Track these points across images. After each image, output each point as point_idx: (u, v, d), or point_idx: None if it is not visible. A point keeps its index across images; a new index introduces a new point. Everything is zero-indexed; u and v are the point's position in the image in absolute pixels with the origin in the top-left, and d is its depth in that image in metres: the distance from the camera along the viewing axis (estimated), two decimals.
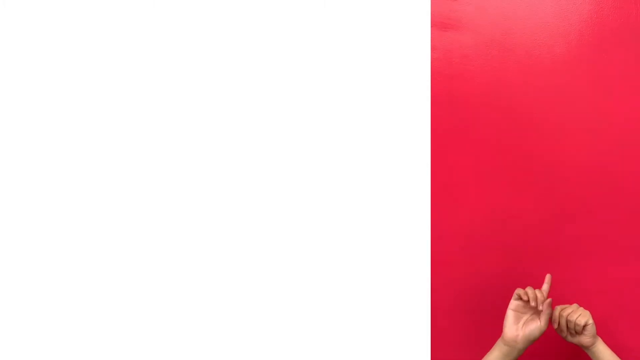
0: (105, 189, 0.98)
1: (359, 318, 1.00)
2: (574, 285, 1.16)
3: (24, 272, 0.96)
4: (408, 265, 1.01)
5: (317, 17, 1.02)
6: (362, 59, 1.02)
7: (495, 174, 1.18)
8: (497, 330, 1.07)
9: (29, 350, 0.96)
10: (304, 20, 1.01)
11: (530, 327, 1.03)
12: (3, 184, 0.95)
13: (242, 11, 1.01)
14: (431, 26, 1.17)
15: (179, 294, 0.99)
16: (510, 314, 1.04)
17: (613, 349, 1.06)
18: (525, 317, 1.04)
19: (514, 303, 1.04)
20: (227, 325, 0.99)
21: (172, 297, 0.99)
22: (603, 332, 1.05)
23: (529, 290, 1.03)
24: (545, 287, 1.05)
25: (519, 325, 1.04)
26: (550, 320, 1.04)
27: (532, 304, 1.02)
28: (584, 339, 1.03)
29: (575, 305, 1.05)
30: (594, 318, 1.03)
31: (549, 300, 1.03)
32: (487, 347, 1.08)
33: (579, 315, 1.03)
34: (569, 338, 1.05)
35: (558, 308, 1.06)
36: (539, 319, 1.03)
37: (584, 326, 1.02)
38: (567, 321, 1.03)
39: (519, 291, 1.03)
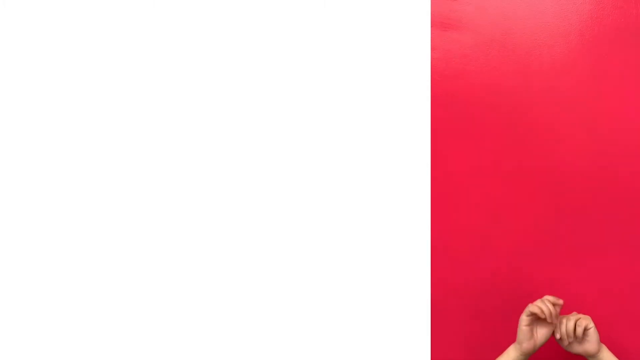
0: (105, 189, 0.98)
1: (359, 318, 1.00)
2: (574, 285, 1.16)
3: (23, 272, 0.96)
4: (408, 265, 1.01)
5: (317, 17, 1.02)
6: (362, 59, 1.02)
7: (495, 173, 1.18)
8: (496, 330, 1.07)
9: (28, 350, 0.96)
10: (304, 20, 1.01)
11: (543, 334, 1.03)
12: (4, 184, 0.95)
13: (242, 11, 1.01)
14: (431, 26, 1.17)
15: (180, 293, 0.99)
16: (525, 330, 1.02)
17: (613, 350, 1.05)
18: (536, 327, 1.03)
19: (526, 319, 1.02)
20: (227, 324, 0.99)
21: (174, 296, 0.99)
22: (603, 332, 1.05)
23: (543, 307, 1.01)
24: (552, 299, 1.04)
25: (534, 336, 1.03)
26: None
27: (549, 320, 1.01)
28: (589, 346, 1.02)
29: (574, 313, 1.04)
30: (593, 319, 1.03)
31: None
32: (487, 347, 1.08)
33: (578, 319, 1.02)
34: (574, 347, 1.03)
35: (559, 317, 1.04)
36: (548, 325, 1.03)
37: (586, 330, 1.01)
38: (567, 325, 1.02)
39: (532, 308, 1.01)
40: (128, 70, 0.99)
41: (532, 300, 1.12)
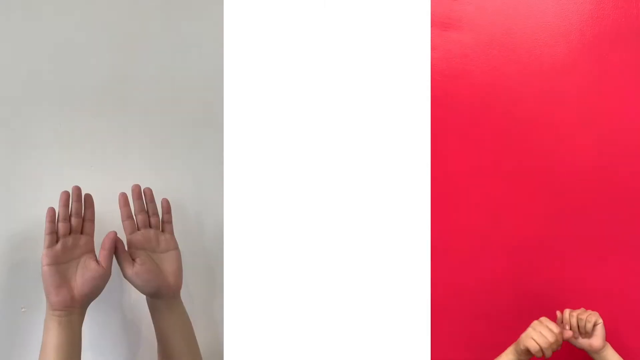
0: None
1: (359, 318, 1.00)
2: (574, 285, 1.16)
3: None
4: (408, 265, 1.01)
5: (317, 17, 1.01)
6: (362, 59, 1.02)
7: (495, 174, 1.18)
8: (496, 330, 1.07)
9: None
10: (303, 20, 1.01)
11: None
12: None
13: (242, 11, 1.01)
14: (431, 26, 1.17)
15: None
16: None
17: (615, 349, 1.05)
18: None
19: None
20: (227, 323, 0.99)
21: None
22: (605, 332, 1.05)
23: (572, 319, 1.03)
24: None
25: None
26: (557, 323, 1.04)
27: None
28: (595, 341, 1.03)
29: (583, 309, 1.05)
30: None
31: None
32: (487, 347, 1.08)
33: (589, 314, 1.03)
34: (579, 341, 1.04)
35: (567, 311, 1.05)
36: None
37: (594, 325, 1.02)
38: (578, 319, 1.03)
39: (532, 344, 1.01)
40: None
41: (533, 299, 1.12)
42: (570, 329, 1.04)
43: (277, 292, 0.99)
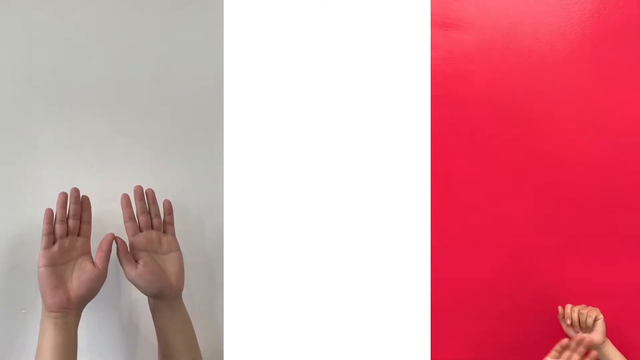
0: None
1: (359, 318, 1.00)
2: (574, 285, 1.16)
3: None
4: (408, 265, 1.01)
5: (317, 17, 1.01)
6: (362, 58, 1.02)
7: (496, 173, 1.18)
8: (496, 330, 1.07)
9: None
10: (303, 20, 1.01)
11: None
12: None
13: (242, 11, 1.01)
14: (431, 25, 1.17)
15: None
16: None
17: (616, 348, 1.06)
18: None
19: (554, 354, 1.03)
20: (227, 323, 0.99)
21: None
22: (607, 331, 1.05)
23: (573, 314, 1.04)
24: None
25: None
26: (558, 318, 1.05)
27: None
28: (595, 336, 1.04)
29: (584, 305, 1.06)
30: None
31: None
32: (487, 347, 1.08)
33: (590, 309, 1.05)
34: (580, 336, 1.05)
35: (568, 306, 1.06)
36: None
37: (595, 320, 1.03)
38: (579, 314, 1.04)
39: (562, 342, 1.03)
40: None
41: (533, 299, 1.13)
42: (572, 323, 1.05)
43: (277, 292, 0.99)
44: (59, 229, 0.86)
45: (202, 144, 1.08)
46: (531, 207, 1.17)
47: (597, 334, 1.04)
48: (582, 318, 1.04)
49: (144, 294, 0.93)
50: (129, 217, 0.92)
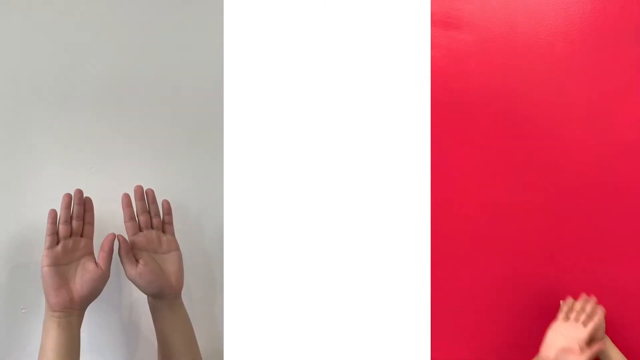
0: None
1: (359, 318, 1.00)
2: (574, 285, 1.15)
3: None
4: (408, 265, 1.01)
5: (317, 16, 1.01)
6: (362, 58, 1.02)
7: (496, 173, 1.17)
8: (496, 330, 1.07)
9: None
10: (303, 20, 1.01)
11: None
12: None
13: (242, 11, 1.01)
14: (431, 25, 1.17)
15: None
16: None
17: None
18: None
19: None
20: (227, 323, 0.99)
21: None
22: (606, 332, 1.05)
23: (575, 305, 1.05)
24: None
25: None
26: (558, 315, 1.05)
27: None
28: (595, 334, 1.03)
29: (584, 300, 1.06)
30: None
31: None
32: (487, 347, 1.08)
33: (591, 305, 1.04)
34: None
35: (570, 300, 1.06)
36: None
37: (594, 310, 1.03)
38: (580, 310, 1.04)
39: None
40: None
41: (533, 299, 1.12)
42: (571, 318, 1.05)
43: (277, 292, 0.99)
44: (62, 229, 0.87)
45: (202, 144, 1.08)
46: (531, 206, 1.16)
47: (598, 331, 1.04)
48: (582, 306, 1.04)
49: (144, 293, 0.93)
50: (130, 217, 0.93)
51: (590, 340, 1.01)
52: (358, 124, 1.01)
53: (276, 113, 1.01)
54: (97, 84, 0.99)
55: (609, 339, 1.05)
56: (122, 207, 0.92)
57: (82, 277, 0.87)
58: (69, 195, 0.88)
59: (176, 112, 1.06)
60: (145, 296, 0.95)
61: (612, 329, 1.05)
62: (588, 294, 1.10)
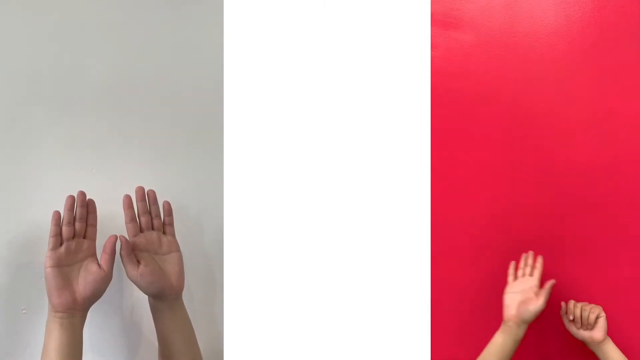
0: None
1: (359, 318, 1.00)
2: (574, 285, 1.16)
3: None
4: (408, 265, 1.01)
5: (317, 16, 1.01)
6: (362, 58, 1.02)
7: (496, 172, 1.18)
8: (496, 330, 1.07)
9: None
10: (303, 20, 1.01)
11: (529, 311, 1.04)
12: None
13: (242, 11, 1.01)
14: (431, 24, 1.17)
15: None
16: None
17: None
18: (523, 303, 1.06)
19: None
20: (227, 324, 0.99)
21: None
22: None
23: (576, 310, 1.06)
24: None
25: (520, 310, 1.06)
26: (561, 314, 1.07)
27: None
28: (596, 333, 1.04)
29: (586, 303, 1.07)
30: None
31: (552, 281, 1.07)
32: None
33: (592, 306, 1.05)
34: (582, 332, 1.05)
35: (571, 301, 1.06)
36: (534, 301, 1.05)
37: (597, 317, 1.04)
38: (582, 310, 1.05)
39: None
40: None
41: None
42: (574, 319, 1.05)
43: (276, 292, 0.99)
44: (66, 231, 0.87)
45: (202, 144, 1.08)
46: (531, 206, 1.17)
47: (599, 332, 1.04)
48: (585, 314, 1.04)
49: (145, 293, 0.93)
50: (131, 218, 0.93)
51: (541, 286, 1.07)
52: (358, 124, 1.01)
53: (276, 113, 1.01)
54: (97, 84, 0.99)
55: (610, 339, 1.05)
56: (124, 208, 0.93)
57: (85, 278, 0.87)
58: (72, 197, 0.88)
59: (176, 113, 1.06)
60: (147, 297, 0.95)
61: (613, 329, 1.05)
62: (588, 294, 1.10)
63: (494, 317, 1.15)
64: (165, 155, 1.04)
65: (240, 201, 0.99)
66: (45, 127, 0.95)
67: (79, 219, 0.89)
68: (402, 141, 1.02)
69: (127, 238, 0.92)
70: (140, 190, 0.94)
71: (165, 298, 0.93)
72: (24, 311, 0.93)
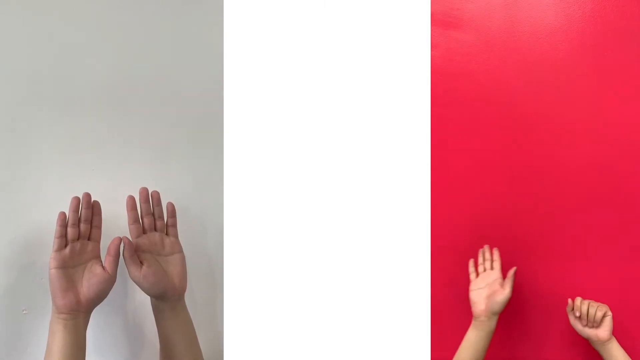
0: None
1: (359, 318, 1.00)
2: (575, 284, 1.16)
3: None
4: (408, 264, 1.01)
5: (317, 16, 1.01)
6: (362, 57, 1.02)
7: (495, 172, 1.18)
8: (496, 330, 1.07)
9: None
10: (303, 20, 1.01)
11: (497, 302, 1.06)
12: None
13: (242, 10, 1.01)
14: (432, 24, 1.17)
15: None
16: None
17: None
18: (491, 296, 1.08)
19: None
20: (227, 325, 0.99)
21: None
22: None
23: (583, 307, 1.06)
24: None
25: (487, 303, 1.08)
26: (567, 311, 1.07)
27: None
28: (602, 332, 1.04)
29: (592, 301, 1.07)
30: None
31: (514, 268, 1.09)
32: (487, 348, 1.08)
33: (599, 305, 1.04)
34: (587, 331, 1.05)
35: (578, 298, 1.06)
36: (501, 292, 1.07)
37: (604, 316, 1.03)
38: (589, 307, 1.04)
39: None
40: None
41: (532, 299, 1.13)
42: (580, 316, 1.05)
43: (277, 293, 0.99)
44: (70, 232, 0.87)
45: (203, 145, 1.08)
46: (531, 206, 1.17)
47: (604, 330, 1.04)
48: (592, 311, 1.04)
49: (148, 294, 0.93)
50: (134, 219, 0.93)
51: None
52: (358, 124, 1.01)
53: (276, 114, 1.00)
54: (97, 84, 0.99)
55: (615, 339, 1.05)
56: (127, 209, 0.92)
57: (89, 280, 0.88)
58: (77, 199, 0.88)
59: (176, 113, 1.06)
60: (149, 299, 0.95)
61: (616, 328, 1.05)
62: (588, 294, 1.10)
63: None
64: (166, 156, 1.04)
65: (240, 202, 0.99)
66: (46, 127, 0.95)
67: (83, 221, 0.89)
68: (402, 141, 1.02)
69: (130, 239, 0.92)
70: (144, 192, 0.94)
71: (168, 299, 0.93)
72: (24, 312, 0.93)
